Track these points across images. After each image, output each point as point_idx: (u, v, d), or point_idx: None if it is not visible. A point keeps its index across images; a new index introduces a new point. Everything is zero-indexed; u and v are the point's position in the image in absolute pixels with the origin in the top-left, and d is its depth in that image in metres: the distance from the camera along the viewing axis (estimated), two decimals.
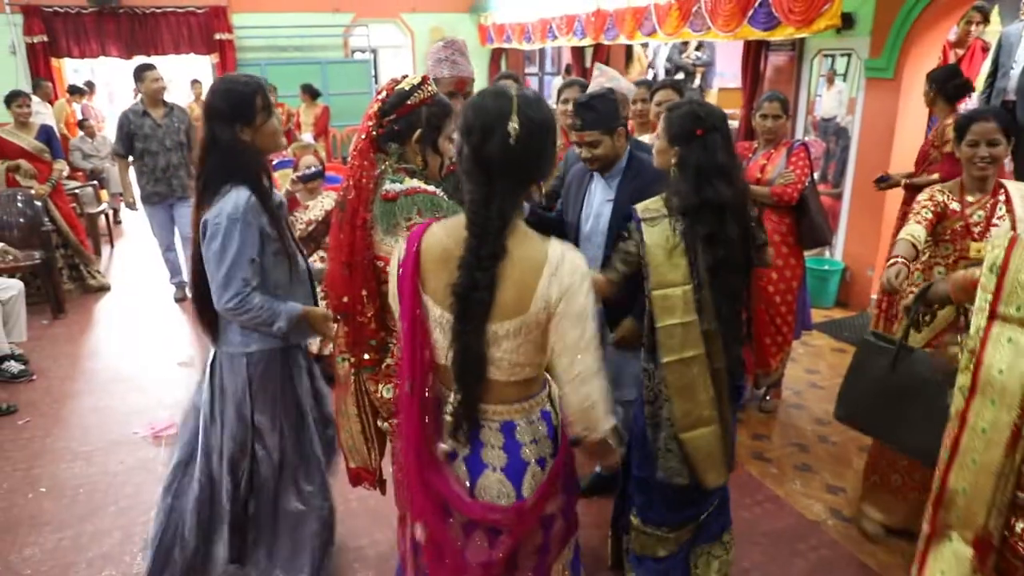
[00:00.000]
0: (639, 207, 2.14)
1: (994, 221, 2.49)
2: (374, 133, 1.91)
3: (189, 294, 5.13)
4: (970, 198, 2.57)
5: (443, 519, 1.53)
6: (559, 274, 1.41)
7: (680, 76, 8.66)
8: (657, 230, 2.07)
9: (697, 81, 8.98)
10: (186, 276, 5.62)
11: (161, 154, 5.27)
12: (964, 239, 2.55)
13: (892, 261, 2.40)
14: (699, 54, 8.81)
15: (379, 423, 2.09)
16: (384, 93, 1.93)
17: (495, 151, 1.37)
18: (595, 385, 1.44)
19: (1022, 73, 4.53)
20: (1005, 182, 2.55)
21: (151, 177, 5.30)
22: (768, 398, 3.91)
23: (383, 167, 1.92)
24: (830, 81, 6.41)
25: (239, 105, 2.10)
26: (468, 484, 1.53)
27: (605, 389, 1.46)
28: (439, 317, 1.47)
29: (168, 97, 5.43)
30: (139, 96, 5.31)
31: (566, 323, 1.42)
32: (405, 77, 1.97)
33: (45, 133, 5.80)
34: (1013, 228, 2.39)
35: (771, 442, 3.57)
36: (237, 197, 2.08)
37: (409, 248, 1.50)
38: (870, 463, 2.90)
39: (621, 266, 2.19)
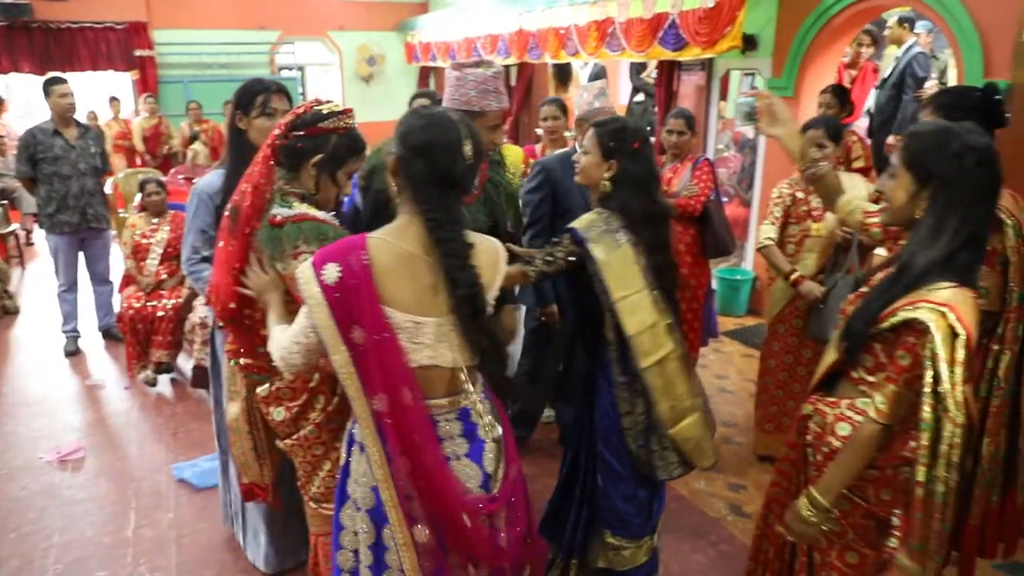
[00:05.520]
0: (580, 226, 2.14)
1: None
2: (278, 143, 1.90)
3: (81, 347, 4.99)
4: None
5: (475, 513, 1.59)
6: (505, 260, 1.68)
7: (640, 98, 8.20)
8: (602, 246, 2.10)
9: None
10: (81, 325, 5.15)
11: (74, 179, 4.71)
12: (806, 220, 3.19)
13: (792, 276, 3.13)
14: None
15: (276, 442, 2.10)
16: (303, 109, 1.93)
17: (459, 169, 1.54)
18: None
19: (880, 90, 4.85)
20: (840, 173, 3.03)
21: (61, 204, 4.70)
22: None
23: (275, 188, 1.91)
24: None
25: (241, 94, 2.35)
26: None
27: None
28: (403, 322, 1.52)
29: (79, 116, 4.98)
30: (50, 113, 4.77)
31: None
32: (330, 102, 1.97)
33: None
34: None
35: None
36: (210, 176, 2.42)
37: (357, 263, 1.50)
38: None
39: (543, 266, 2.17)
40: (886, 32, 5.64)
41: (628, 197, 2.13)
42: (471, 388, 1.64)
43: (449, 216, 1.52)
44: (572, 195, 2.97)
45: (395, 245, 1.54)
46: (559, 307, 3.22)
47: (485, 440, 1.66)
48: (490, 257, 1.63)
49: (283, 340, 1.65)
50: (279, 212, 1.86)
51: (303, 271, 1.53)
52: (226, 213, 1.95)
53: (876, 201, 3.07)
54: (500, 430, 1.70)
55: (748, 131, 5.74)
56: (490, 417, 1.69)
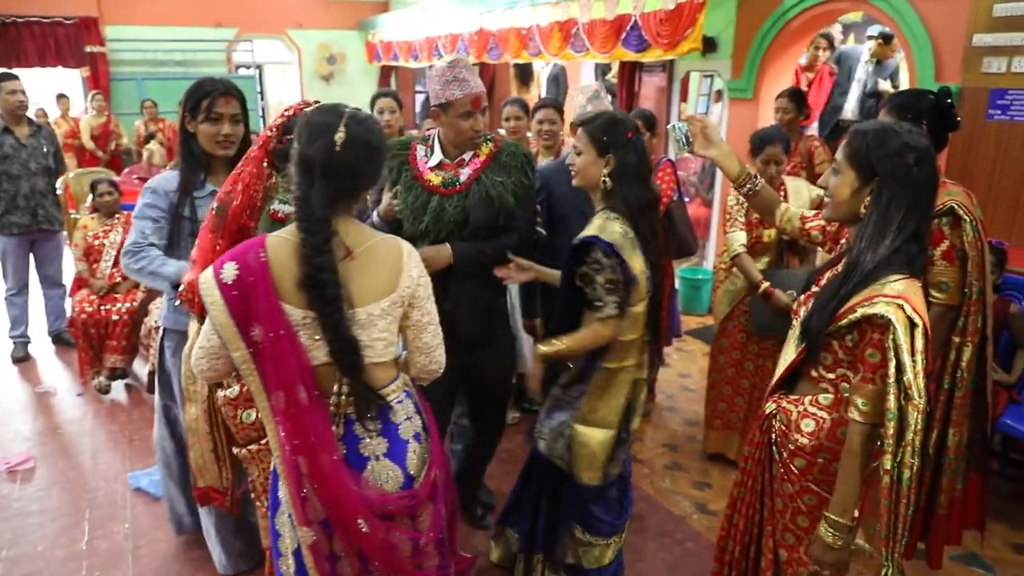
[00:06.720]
0: (606, 237, 2.01)
1: None
2: (271, 145, 1.91)
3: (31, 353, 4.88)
4: None
5: (372, 514, 1.56)
6: (414, 257, 1.66)
7: (609, 99, 7.98)
8: (629, 252, 2.03)
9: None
10: (31, 329, 4.99)
11: (24, 178, 4.56)
12: (758, 228, 3.19)
13: (762, 287, 3.06)
14: None
15: (234, 450, 2.05)
16: (292, 111, 1.93)
17: (319, 154, 1.50)
18: (442, 348, 1.76)
19: (860, 98, 4.88)
20: (784, 178, 3.26)
21: (10, 204, 4.57)
22: None
23: (274, 182, 1.93)
24: (716, 100, 6.77)
25: (188, 96, 2.33)
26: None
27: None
28: (302, 319, 1.52)
29: (29, 113, 4.78)
30: None
31: (429, 302, 1.68)
32: (318, 102, 1.93)
33: None
34: None
35: (644, 444, 3.73)
36: (166, 175, 2.43)
37: (255, 260, 1.51)
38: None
39: (612, 297, 2.02)
40: (869, 46, 5.63)
41: (629, 189, 2.06)
42: (393, 385, 1.64)
43: (309, 204, 1.50)
44: (567, 202, 2.93)
45: (291, 241, 1.53)
46: (543, 322, 3.14)
47: (407, 440, 1.64)
48: (391, 256, 1.62)
49: (195, 346, 1.64)
50: (280, 208, 1.89)
51: (204, 274, 1.54)
52: (212, 210, 1.92)
53: (821, 206, 3.15)
54: (421, 431, 1.69)
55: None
56: (413, 417, 1.67)
